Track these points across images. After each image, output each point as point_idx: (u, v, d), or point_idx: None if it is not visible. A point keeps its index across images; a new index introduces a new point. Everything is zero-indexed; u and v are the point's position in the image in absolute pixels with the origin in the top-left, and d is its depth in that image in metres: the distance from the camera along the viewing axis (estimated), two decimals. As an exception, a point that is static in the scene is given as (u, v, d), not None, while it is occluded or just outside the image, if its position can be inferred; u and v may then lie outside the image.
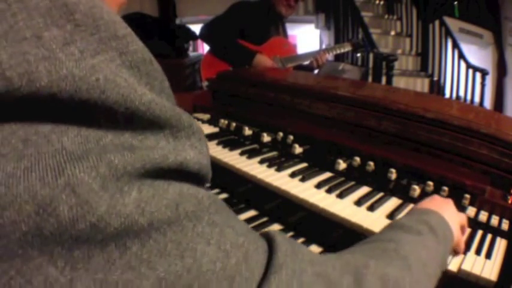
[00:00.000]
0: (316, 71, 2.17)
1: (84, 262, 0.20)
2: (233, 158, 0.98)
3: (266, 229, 0.85)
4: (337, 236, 0.78)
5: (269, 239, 0.32)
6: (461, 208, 0.76)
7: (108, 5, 0.34)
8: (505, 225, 0.74)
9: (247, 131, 1.14)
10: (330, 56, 2.25)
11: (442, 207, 0.58)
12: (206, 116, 1.32)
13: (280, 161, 0.97)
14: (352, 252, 0.42)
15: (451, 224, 0.54)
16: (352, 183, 0.87)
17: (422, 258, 0.43)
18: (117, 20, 0.24)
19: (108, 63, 0.22)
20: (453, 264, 0.61)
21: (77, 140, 0.21)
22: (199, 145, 0.27)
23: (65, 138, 0.20)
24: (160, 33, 3.29)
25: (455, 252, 0.63)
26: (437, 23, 4.26)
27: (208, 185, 0.30)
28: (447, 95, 4.21)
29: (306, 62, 2.14)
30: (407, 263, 0.41)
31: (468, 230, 0.72)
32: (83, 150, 0.21)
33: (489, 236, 0.71)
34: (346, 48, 2.25)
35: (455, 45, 4.13)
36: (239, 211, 0.91)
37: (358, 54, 3.14)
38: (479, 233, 0.72)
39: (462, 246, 0.63)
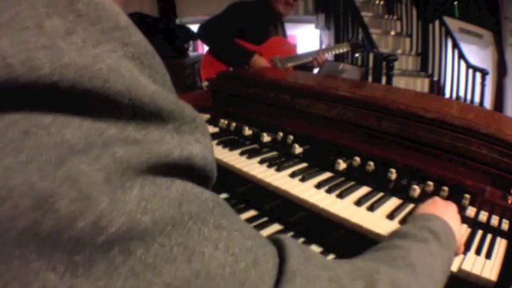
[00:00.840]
0: (315, 70, 2.17)
1: (85, 268, 0.18)
2: (233, 158, 0.98)
3: (266, 229, 0.85)
4: (337, 236, 0.78)
5: (279, 244, 0.30)
6: (461, 208, 0.76)
7: None
8: (505, 225, 0.74)
9: (247, 131, 1.14)
10: (329, 56, 2.25)
11: (444, 211, 0.58)
12: (206, 116, 1.32)
13: (280, 161, 0.97)
14: (362, 258, 0.41)
15: (454, 228, 0.54)
16: (352, 183, 0.87)
17: (428, 266, 0.44)
18: (119, 11, 0.24)
19: (110, 54, 0.22)
20: (453, 264, 0.61)
21: (78, 133, 0.20)
22: (203, 140, 0.26)
23: (66, 130, 0.20)
24: (160, 33, 3.28)
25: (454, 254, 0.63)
26: (437, 23, 4.26)
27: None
28: (447, 95, 4.21)
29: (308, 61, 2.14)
30: (415, 270, 0.41)
31: (468, 230, 0.72)
32: (85, 143, 0.20)
33: (489, 236, 0.71)
34: (345, 48, 2.25)
35: (455, 45, 4.13)
36: (239, 211, 0.91)
37: (357, 55, 3.14)
38: (479, 233, 0.72)
39: (462, 248, 0.63)
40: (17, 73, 0.18)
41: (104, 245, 0.19)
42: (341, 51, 2.26)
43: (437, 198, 0.66)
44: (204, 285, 0.22)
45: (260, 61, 1.94)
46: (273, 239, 0.31)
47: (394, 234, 0.52)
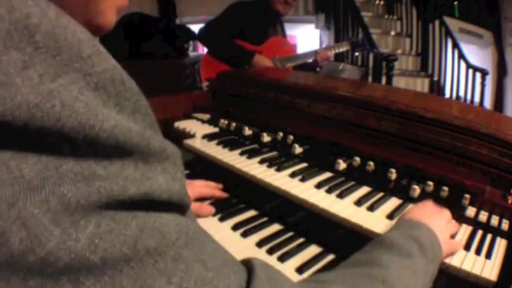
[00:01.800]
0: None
1: None
2: (233, 158, 0.98)
3: (266, 229, 0.85)
4: (337, 236, 0.78)
5: (248, 268, 0.30)
6: (461, 208, 0.76)
7: (106, 12, 0.34)
8: (505, 225, 0.74)
9: (247, 131, 1.14)
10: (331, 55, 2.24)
11: (433, 219, 0.57)
12: (206, 116, 1.32)
13: (280, 161, 0.97)
14: (336, 280, 0.40)
15: (441, 238, 0.54)
16: (352, 183, 0.87)
17: (410, 285, 0.43)
18: (84, 38, 0.23)
19: (69, 86, 0.21)
20: (453, 264, 0.61)
21: (35, 168, 0.20)
22: (172, 170, 0.26)
23: (24, 165, 0.20)
24: (160, 33, 3.28)
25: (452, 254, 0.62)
26: (437, 23, 4.26)
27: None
28: (447, 95, 4.21)
29: (309, 61, 2.13)
30: None
31: (468, 230, 0.72)
32: (40, 179, 0.20)
33: (489, 236, 0.71)
34: (345, 47, 2.24)
35: (455, 45, 4.13)
36: (239, 211, 0.91)
37: (357, 53, 3.14)
38: (479, 233, 0.72)
39: (459, 247, 0.62)
40: None
41: (53, 275, 0.20)
42: (341, 50, 2.25)
43: (428, 203, 0.65)
44: None
45: (263, 60, 1.94)
46: (245, 262, 0.31)
47: (380, 243, 0.50)
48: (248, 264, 0.31)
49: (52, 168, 0.21)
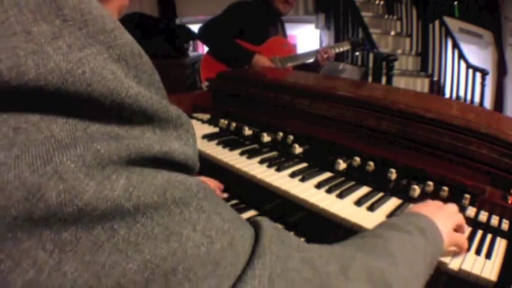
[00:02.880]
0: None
1: (72, 245, 0.20)
2: (233, 158, 0.98)
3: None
4: (337, 236, 0.78)
5: (256, 226, 0.33)
6: (461, 208, 0.76)
7: (108, 10, 0.35)
8: (505, 225, 0.74)
9: (247, 131, 1.14)
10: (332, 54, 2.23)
11: (434, 213, 0.58)
12: (206, 116, 1.32)
13: (280, 161, 0.97)
14: (341, 245, 0.43)
15: (442, 229, 0.55)
16: (352, 183, 0.87)
17: (410, 256, 0.45)
18: (106, 14, 0.25)
19: (95, 57, 0.23)
20: (453, 264, 0.61)
21: (65, 128, 0.21)
22: (185, 136, 0.28)
23: (53, 126, 0.21)
24: (160, 33, 3.28)
25: (457, 253, 0.63)
26: (437, 23, 4.26)
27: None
28: (447, 95, 4.21)
29: (310, 61, 2.13)
30: (395, 260, 0.42)
31: (468, 230, 0.72)
32: (71, 138, 0.21)
33: (489, 236, 0.71)
34: (345, 46, 2.24)
35: (455, 45, 4.13)
36: (239, 211, 0.91)
37: (357, 53, 3.14)
38: (479, 233, 0.72)
39: (465, 246, 0.63)
40: (4, 79, 0.20)
41: (88, 224, 0.21)
42: (341, 49, 2.25)
43: (430, 201, 0.67)
44: (179, 263, 0.24)
45: (262, 60, 1.93)
46: (252, 221, 0.34)
47: (380, 224, 0.53)
48: (254, 223, 0.34)
49: (80, 128, 0.22)
